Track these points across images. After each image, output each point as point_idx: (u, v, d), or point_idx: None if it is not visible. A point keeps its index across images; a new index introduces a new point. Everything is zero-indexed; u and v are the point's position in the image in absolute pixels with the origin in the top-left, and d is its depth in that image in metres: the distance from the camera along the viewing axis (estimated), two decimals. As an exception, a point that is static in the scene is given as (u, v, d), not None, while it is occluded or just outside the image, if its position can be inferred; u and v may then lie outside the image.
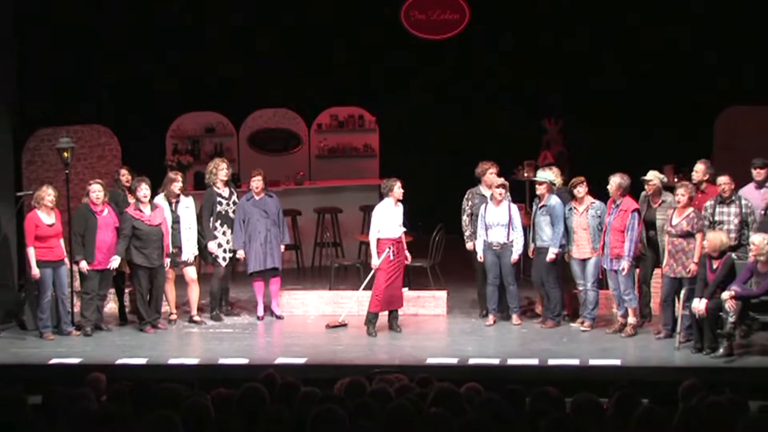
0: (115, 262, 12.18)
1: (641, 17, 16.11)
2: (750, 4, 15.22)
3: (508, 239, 12.32)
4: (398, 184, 12.25)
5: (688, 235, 11.43)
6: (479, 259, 12.55)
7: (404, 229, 12.39)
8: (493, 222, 12.33)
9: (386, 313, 12.32)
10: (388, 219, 12.20)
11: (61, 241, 12.14)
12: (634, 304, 11.89)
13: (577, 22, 16.44)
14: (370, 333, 12.17)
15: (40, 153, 14.31)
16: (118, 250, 12.15)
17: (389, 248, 12.10)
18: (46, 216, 12.04)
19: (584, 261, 12.10)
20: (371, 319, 12.21)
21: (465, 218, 12.83)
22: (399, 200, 12.24)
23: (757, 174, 12.06)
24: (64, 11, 14.94)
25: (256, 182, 12.78)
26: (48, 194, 12.02)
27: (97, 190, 12.15)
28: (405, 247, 12.37)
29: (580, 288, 12.25)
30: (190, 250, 12.71)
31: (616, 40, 16.35)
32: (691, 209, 11.50)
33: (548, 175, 12.46)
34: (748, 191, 12.06)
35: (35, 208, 12.04)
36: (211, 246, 12.76)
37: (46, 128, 14.35)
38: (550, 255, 12.18)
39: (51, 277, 12.06)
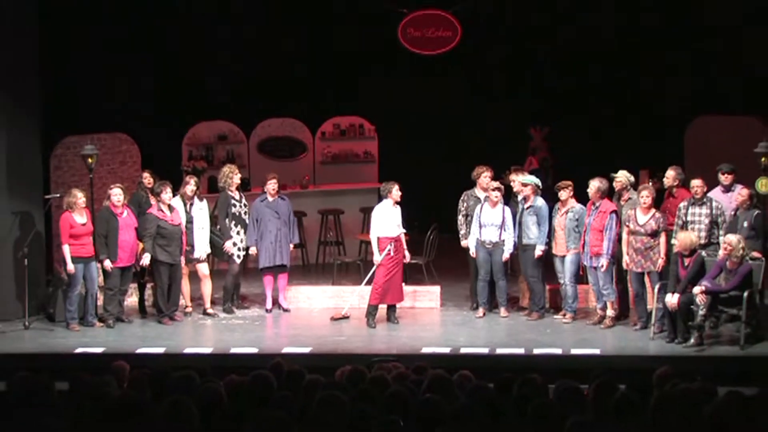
0: (146, 259, 12.20)
1: (620, 31, 16.10)
2: (722, 19, 15.23)
3: (499, 238, 12.32)
4: (396, 186, 12.25)
5: (655, 233, 11.47)
6: (472, 255, 12.55)
7: (404, 230, 12.35)
8: (488, 222, 12.33)
9: (385, 306, 12.32)
10: (386, 219, 12.21)
11: (91, 238, 12.15)
12: (612, 298, 11.90)
13: (560, 39, 16.44)
14: (369, 324, 12.17)
15: (67, 159, 14.31)
16: (147, 248, 12.17)
17: (390, 245, 12.11)
18: (79, 216, 12.07)
19: (562, 258, 12.13)
20: (371, 311, 12.21)
21: (460, 218, 12.85)
22: (397, 202, 12.24)
23: (725, 179, 12.09)
24: (88, 24, 14.99)
25: (272, 185, 12.81)
26: (79, 198, 12.06)
27: (117, 194, 12.18)
28: (404, 246, 12.34)
29: (561, 282, 12.27)
30: (202, 249, 12.73)
31: (595, 53, 16.34)
32: (654, 209, 11.55)
33: (533, 178, 12.52)
34: (715, 195, 12.09)
35: (68, 211, 12.05)
36: (228, 245, 12.76)
37: (72, 136, 14.34)
38: (538, 252, 12.19)
39: (82, 272, 12.08)
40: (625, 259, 11.68)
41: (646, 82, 16.23)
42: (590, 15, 16.03)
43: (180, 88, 16.10)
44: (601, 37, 16.20)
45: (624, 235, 11.68)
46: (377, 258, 12.16)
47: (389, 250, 12.08)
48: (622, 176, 12.13)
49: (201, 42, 16.23)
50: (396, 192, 12.20)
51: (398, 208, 12.27)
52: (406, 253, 12.35)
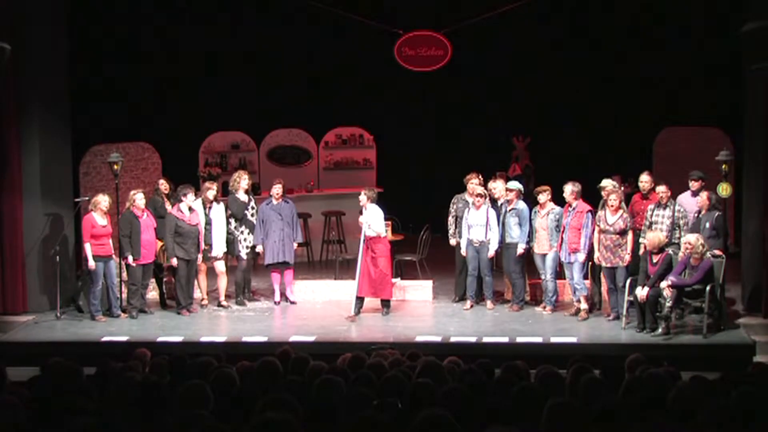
0: (173, 261, 12.20)
1: (594, 49, 16.12)
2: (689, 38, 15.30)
3: (485, 237, 12.32)
4: (362, 191, 12.22)
5: (623, 232, 11.49)
6: (462, 254, 12.53)
7: (376, 232, 12.02)
8: (474, 222, 12.32)
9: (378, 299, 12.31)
10: (362, 218, 12.20)
11: (110, 240, 12.15)
12: (584, 292, 11.90)
13: (540, 58, 16.47)
14: (353, 312, 12.09)
15: (94, 166, 14.30)
16: (167, 244, 12.16)
17: (361, 241, 12.10)
18: (100, 218, 12.06)
19: (543, 255, 12.14)
20: (356, 301, 12.14)
21: (450, 219, 12.86)
22: (365, 206, 12.13)
23: (693, 185, 12.11)
24: (115, 43, 15.02)
25: (277, 189, 12.81)
26: (104, 201, 12.05)
27: (139, 199, 12.18)
28: (377, 247, 12.02)
29: (543, 278, 12.27)
30: (219, 248, 12.72)
31: (572, 71, 16.35)
32: (622, 210, 11.57)
33: (517, 183, 12.53)
34: (685, 198, 12.13)
35: (91, 211, 12.06)
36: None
37: (99, 145, 14.34)
38: (519, 250, 12.19)
39: (102, 269, 12.07)
40: (597, 255, 11.69)
41: (618, 95, 16.24)
42: (568, 36, 16.07)
43: (197, 103, 16.11)
44: (577, 55, 16.22)
45: (596, 234, 11.69)
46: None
47: (363, 247, 12.03)
48: (608, 184, 12.07)
49: (216, 60, 16.27)
50: (361, 196, 12.17)
51: (370, 211, 12.09)
52: (373, 253, 12.00)
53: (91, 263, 11.96)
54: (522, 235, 12.18)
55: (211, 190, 12.67)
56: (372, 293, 12.16)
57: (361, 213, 15.53)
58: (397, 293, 12.71)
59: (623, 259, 11.51)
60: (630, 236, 11.51)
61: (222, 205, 12.92)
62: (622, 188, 12.83)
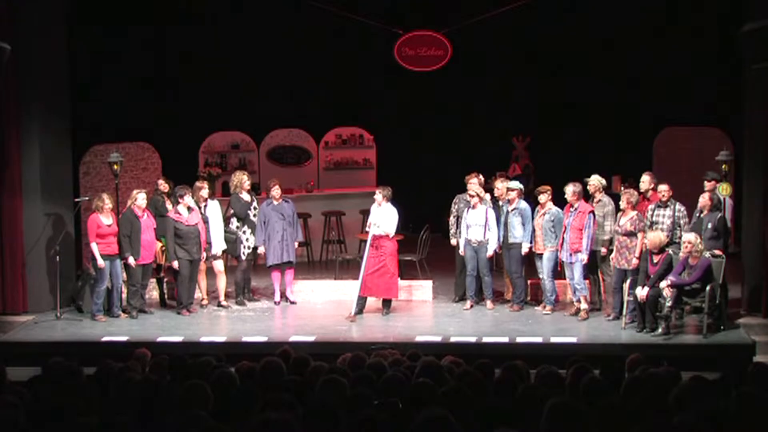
0: (175, 263, 12.20)
1: (595, 51, 16.12)
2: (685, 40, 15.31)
3: (484, 237, 12.31)
4: (377, 190, 12.24)
5: (631, 234, 11.48)
6: (460, 253, 12.54)
7: (385, 231, 12.06)
8: (473, 222, 12.32)
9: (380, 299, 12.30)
10: (371, 217, 12.20)
11: (115, 238, 12.15)
12: (584, 293, 11.90)
13: (540, 58, 16.48)
14: (353, 311, 12.10)
15: (94, 166, 14.31)
16: (169, 247, 12.16)
17: (367, 241, 12.09)
18: (105, 218, 12.06)
19: (540, 255, 12.15)
20: (357, 301, 12.16)
21: (451, 219, 12.86)
22: (380, 203, 12.15)
23: (707, 185, 12.09)
24: (117, 42, 15.01)
25: (275, 190, 12.81)
26: (106, 202, 12.05)
27: (141, 199, 12.18)
28: (384, 246, 12.04)
29: (541, 277, 12.28)
30: (218, 245, 12.72)
31: (572, 70, 16.35)
32: (634, 212, 11.56)
33: (518, 183, 12.52)
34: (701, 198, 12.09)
35: (96, 212, 12.05)
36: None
37: (99, 145, 14.34)
38: (525, 249, 12.19)
39: (109, 268, 12.07)
40: (613, 254, 11.70)
41: (618, 95, 16.24)
42: (569, 37, 16.06)
43: (197, 103, 16.10)
44: (577, 55, 16.22)
45: (605, 233, 11.70)
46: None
47: (370, 246, 12.02)
48: (595, 180, 12.15)
49: (216, 60, 16.26)
50: (376, 194, 12.19)
51: (382, 209, 12.10)
52: (381, 255, 12.04)
53: (101, 262, 11.95)
54: (526, 235, 12.18)
55: (204, 188, 12.69)
56: (378, 293, 12.16)
57: (361, 213, 15.60)
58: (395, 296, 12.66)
59: (629, 262, 11.48)
60: (639, 239, 11.46)
61: (217, 203, 12.93)
62: (622, 188, 12.84)
